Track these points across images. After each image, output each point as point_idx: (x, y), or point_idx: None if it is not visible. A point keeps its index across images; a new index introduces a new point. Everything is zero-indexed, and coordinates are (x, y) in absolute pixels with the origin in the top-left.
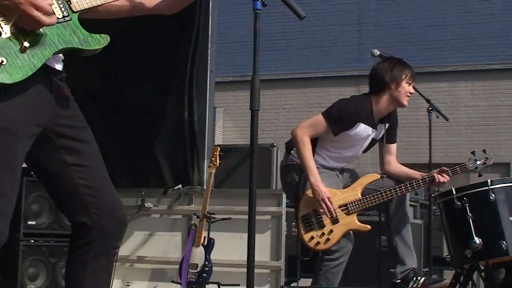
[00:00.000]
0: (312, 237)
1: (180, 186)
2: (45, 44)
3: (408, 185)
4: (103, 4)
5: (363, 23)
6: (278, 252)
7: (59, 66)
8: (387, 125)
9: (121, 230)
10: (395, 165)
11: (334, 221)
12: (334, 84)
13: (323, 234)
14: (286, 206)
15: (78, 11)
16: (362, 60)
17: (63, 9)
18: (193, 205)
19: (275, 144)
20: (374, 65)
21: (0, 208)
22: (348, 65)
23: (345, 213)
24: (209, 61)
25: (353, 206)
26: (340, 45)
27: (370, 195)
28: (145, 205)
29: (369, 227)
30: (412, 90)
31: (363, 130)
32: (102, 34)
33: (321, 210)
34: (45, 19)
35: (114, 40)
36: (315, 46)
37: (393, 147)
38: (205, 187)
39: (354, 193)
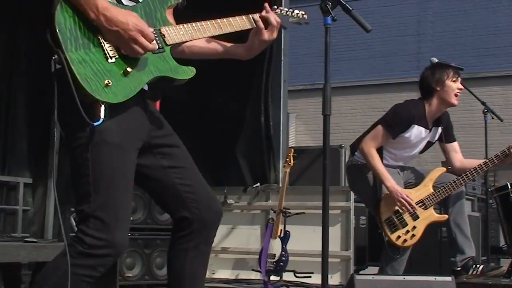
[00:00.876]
0: (398, 236)
1: (258, 184)
2: (144, 71)
3: (480, 167)
4: (191, 40)
5: (422, 34)
6: (347, 242)
7: (145, 87)
8: (441, 127)
9: (218, 220)
10: (463, 161)
11: (415, 217)
12: (395, 90)
13: (407, 231)
14: (354, 202)
15: (170, 44)
16: (421, 68)
17: (158, 41)
18: (270, 201)
19: (342, 145)
20: (421, 74)
21: (125, 218)
22: (408, 73)
23: (422, 208)
24: (282, 72)
25: (428, 201)
26: (401, 54)
27: (442, 187)
28: (228, 201)
29: (446, 216)
30: (460, 86)
31: (418, 131)
32: (190, 67)
33: (403, 208)
34: (149, 44)
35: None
36: (378, 56)
37: (456, 145)
38: (280, 185)
39: (427, 188)
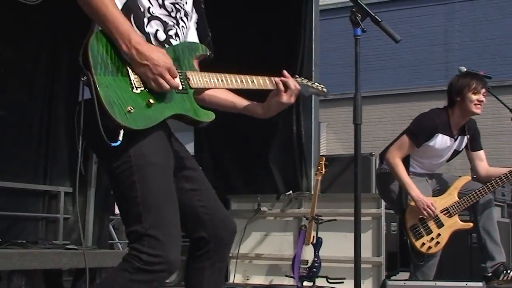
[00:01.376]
0: (423, 243)
1: (291, 192)
2: (167, 106)
3: (505, 176)
4: (214, 87)
5: (449, 43)
6: (379, 249)
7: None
8: (467, 136)
9: (232, 238)
10: (489, 169)
11: (440, 225)
12: (424, 98)
13: (432, 239)
14: (385, 208)
15: (194, 88)
16: (449, 77)
17: (183, 83)
18: (303, 209)
19: (373, 153)
20: (449, 82)
21: (177, 235)
22: (436, 81)
23: (447, 216)
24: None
25: (453, 209)
26: (429, 63)
27: (467, 196)
28: (261, 209)
29: (471, 224)
30: (482, 98)
31: (443, 140)
32: (209, 111)
33: (427, 216)
34: (174, 81)
35: (238, 60)
36: (406, 65)
37: (481, 153)
38: (312, 192)
39: (452, 197)
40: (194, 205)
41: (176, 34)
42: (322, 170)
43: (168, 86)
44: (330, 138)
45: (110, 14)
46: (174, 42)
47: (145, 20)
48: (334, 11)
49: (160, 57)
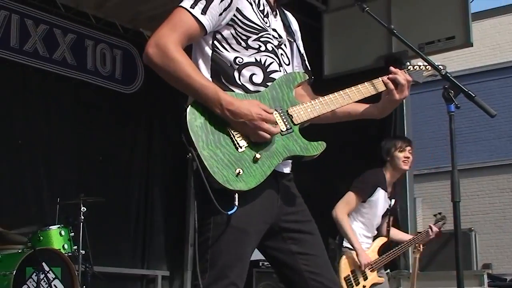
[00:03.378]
0: None
1: (388, 270)
2: (273, 154)
3: (411, 241)
4: (319, 115)
5: None
6: None
7: (287, 170)
8: (393, 200)
9: None
10: (398, 234)
11: (365, 277)
12: None
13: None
14: (487, 285)
15: (298, 124)
16: None
17: (286, 122)
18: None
19: (472, 228)
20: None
21: None
22: None
23: (370, 270)
24: None
25: (375, 264)
26: None
27: (384, 254)
28: None
29: (383, 279)
30: (407, 155)
31: (382, 196)
32: (320, 142)
33: (363, 268)
34: (273, 129)
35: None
36: (502, 136)
37: (393, 220)
38: (411, 271)
39: (374, 254)
40: (300, 269)
41: (279, 64)
42: (420, 247)
43: (268, 136)
44: (426, 213)
45: (196, 83)
46: (277, 74)
47: (235, 74)
48: (424, 85)
49: (253, 111)
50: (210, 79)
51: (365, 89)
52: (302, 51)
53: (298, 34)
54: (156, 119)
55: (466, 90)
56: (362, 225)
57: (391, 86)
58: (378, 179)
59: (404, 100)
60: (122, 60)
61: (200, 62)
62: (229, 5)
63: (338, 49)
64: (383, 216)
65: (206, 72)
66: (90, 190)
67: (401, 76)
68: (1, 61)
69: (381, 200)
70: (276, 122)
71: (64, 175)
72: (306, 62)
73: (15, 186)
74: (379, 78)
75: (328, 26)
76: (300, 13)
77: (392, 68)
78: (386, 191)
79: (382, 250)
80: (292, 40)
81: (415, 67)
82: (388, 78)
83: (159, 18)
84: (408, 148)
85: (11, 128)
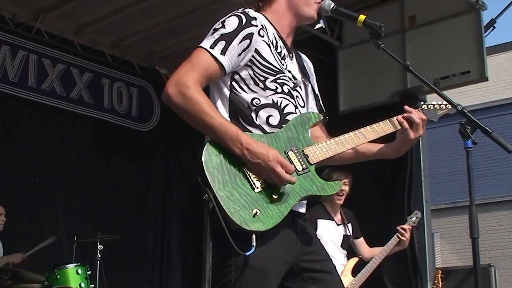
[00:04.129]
0: None
1: None
2: (290, 194)
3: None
4: (334, 155)
5: None
6: None
7: (302, 210)
8: (349, 225)
9: None
10: (370, 250)
11: None
12: None
13: None
14: None
15: (314, 163)
16: None
17: (302, 162)
18: None
19: (491, 264)
20: None
21: None
22: None
23: None
24: (423, 193)
25: (352, 286)
26: None
27: (359, 273)
28: None
29: None
30: (343, 188)
31: (327, 226)
32: (336, 181)
33: None
34: (287, 176)
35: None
36: None
37: (362, 240)
38: None
39: (347, 278)
40: None
41: (295, 106)
42: (439, 283)
43: (283, 178)
44: (444, 249)
45: (216, 123)
46: (292, 116)
47: (253, 115)
48: (440, 119)
49: (271, 153)
50: (229, 119)
51: (380, 128)
52: (317, 91)
53: (313, 75)
54: (172, 156)
55: (483, 126)
56: None
57: (406, 125)
58: (315, 213)
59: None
60: (138, 98)
61: (218, 103)
62: (248, 46)
63: (353, 85)
64: (344, 240)
65: (224, 113)
66: (107, 227)
67: (416, 115)
68: (19, 100)
69: (326, 230)
70: (297, 158)
71: (81, 213)
72: (321, 103)
73: (32, 225)
74: (394, 117)
75: (343, 63)
76: (315, 50)
77: (406, 107)
78: (332, 220)
79: (355, 270)
80: (307, 82)
81: (429, 106)
82: (403, 117)
83: (174, 56)
84: (345, 180)
85: (28, 167)
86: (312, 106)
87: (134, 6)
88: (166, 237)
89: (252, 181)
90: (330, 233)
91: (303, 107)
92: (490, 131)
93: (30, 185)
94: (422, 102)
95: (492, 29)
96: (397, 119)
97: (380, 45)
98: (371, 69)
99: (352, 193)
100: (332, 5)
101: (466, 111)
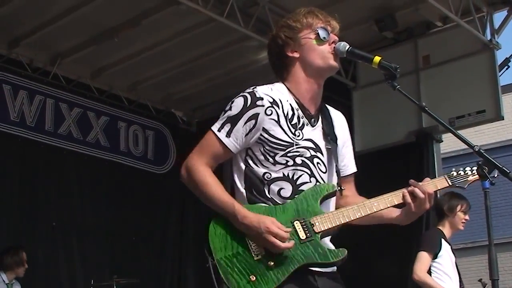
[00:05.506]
0: None
1: None
2: (289, 261)
3: None
4: (340, 225)
5: None
6: None
7: (318, 268)
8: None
9: None
10: None
11: None
12: None
13: None
14: None
15: (319, 232)
16: None
17: (307, 231)
18: None
19: None
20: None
21: None
22: None
23: None
24: None
25: None
26: None
27: None
28: None
29: None
30: (467, 217)
31: (447, 247)
32: (341, 249)
33: None
34: (281, 244)
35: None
36: None
37: None
38: None
39: None
40: None
41: (311, 175)
42: None
43: (277, 247)
44: None
45: (217, 202)
46: (308, 186)
47: (265, 188)
48: (456, 158)
49: (263, 225)
50: (244, 191)
51: (385, 201)
52: (348, 149)
53: (345, 133)
54: (188, 199)
55: (501, 166)
56: (443, 281)
57: (409, 199)
58: (440, 235)
59: (436, 175)
60: (154, 140)
61: (236, 175)
62: (254, 126)
63: (369, 125)
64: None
65: (240, 185)
66: (124, 270)
67: (420, 190)
68: (36, 144)
69: (448, 250)
70: (302, 227)
71: (97, 256)
72: (337, 168)
73: (49, 268)
74: (398, 191)
75: (358, 103)
76: (329, 91)
77: (411, 181)
78: (449, 244)
79: None
80: (332, 146)
81: (459, 173)
82: (407, 190)
83: (190, 98)
84: (468, 212)
85: (45, 210)
86: (345, 165)
87: (150, 50)
88: (182, 280)
89: (253, 249)
90: (452, 255)
91: (324, 172)
92: (508, 171)
93: (47, 228)
94: (454, 169)
95: (507, 68)
96: (402, 193)
97: (395, 86)
98: (386, 109)
99: (368, 236)
100: (348, 46)
101: (483, 151)
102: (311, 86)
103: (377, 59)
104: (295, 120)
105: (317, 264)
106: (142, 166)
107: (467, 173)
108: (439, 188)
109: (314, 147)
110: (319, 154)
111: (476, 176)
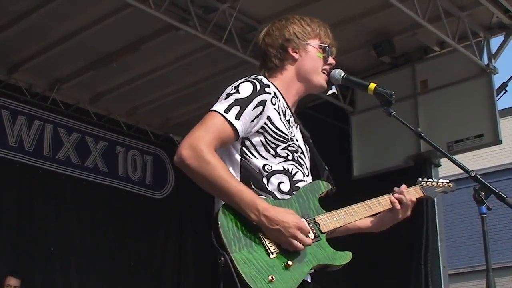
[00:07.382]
0: None
1: None
2: (304, 262)
3: None
4: (344, 224)
5: None
6: None
7: (308, 278)
8: None
9: None
10: None
11: None
12: None
13: None
14: None
15: (325, 232)
16: None
17: (314, 230)
18: None
19: None
20: None
21: None
22: None
23: None
24: (440, 258)
25: None
26: None
27: None
28: None
29: None
30: None
31: None
32: (346, 252)
33: None
34: (307, 240)
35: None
36: None
37: None
38: None
39: None
40: None
41: (304, 174)
42: None
43: (302, 246)
44: None
45: (233, 188)
46: (302, 184)
47: (265, 180)
48: (454, 183)
49: (290, 219)
50: None
51: (385, 201)
52: (321, 160)
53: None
54: (187, 224)
55: (497, 192)
56: None
57: (398, 205)
58: None
59: (435, 199)
60: (152, 165)
61: (230, 168)
62: (261, 112)
63: (367, 149)
64: None
65: (237, 177)
66: None
67: (407, 197)
68: (35, 170)
69: None
70: (309, 227)
71: (96, 281)
72: (327, 172)
73: None
74: (389, 197)
75: (356, 128)
76: (328, 115)
77: (396, 189)
78: None
79: None
80: (309, 152)
81: (427, 183)
82: (396, 197)
83: (189, 123)
84: None
85: (43, 235)
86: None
87: (148, 75)
88: None
89: (268, 246)
90: None
91: (307, 176)
92: (505, 196)
93: (45, 254)
94: (421, 179)
95: (504, 92)
96: (390, 200)
97: (391, 112)
98: (384, 133)
99: (368, 258)
100: (343, 74)
101: (479, 176)
102: (297, 92)
103: (372, 86)
104: (288, 117)
105: (325, 266)
106: (140, 191)
107: (434, 185)
108: (417, 197)
109: (301, 148)
110: (303, 156)
111: (443, 188)
